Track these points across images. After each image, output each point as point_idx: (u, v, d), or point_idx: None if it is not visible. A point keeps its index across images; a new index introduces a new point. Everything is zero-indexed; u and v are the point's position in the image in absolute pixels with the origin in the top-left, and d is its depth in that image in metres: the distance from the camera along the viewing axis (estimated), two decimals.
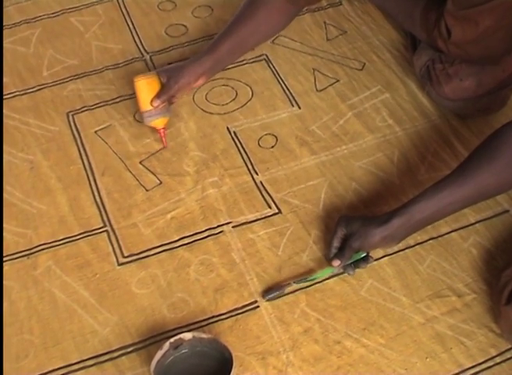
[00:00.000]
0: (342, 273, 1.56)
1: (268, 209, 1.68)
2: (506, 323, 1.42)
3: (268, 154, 1.79)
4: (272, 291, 1.54)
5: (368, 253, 1.53)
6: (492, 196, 1.57)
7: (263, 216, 1.67)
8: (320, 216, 1.67)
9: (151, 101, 1.74)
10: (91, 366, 1.45)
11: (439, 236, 1.63)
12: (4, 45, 2.06)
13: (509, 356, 1.45)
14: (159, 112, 1.76)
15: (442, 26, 1.67)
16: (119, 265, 1.60)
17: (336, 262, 1.51)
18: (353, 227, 1.51)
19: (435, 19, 1.70)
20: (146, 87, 1.75)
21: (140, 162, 1.77)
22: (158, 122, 1.77)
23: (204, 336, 1.40)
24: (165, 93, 1.75)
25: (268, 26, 1.84)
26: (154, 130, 1.80)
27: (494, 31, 1.63)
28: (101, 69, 1.99)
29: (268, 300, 1.53)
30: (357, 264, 1.54)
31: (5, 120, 1.87)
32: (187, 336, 1.39)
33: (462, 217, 1.65)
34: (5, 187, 1.73)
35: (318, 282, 1.55)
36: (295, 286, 1.54)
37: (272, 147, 1.81)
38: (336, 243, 1.54)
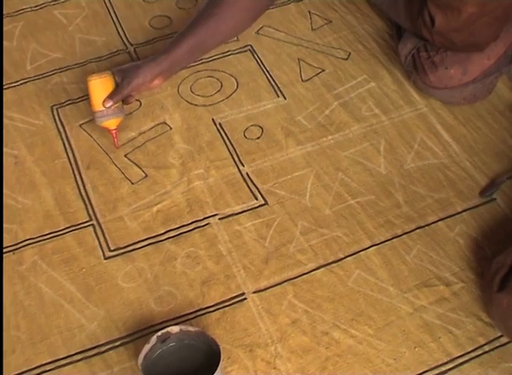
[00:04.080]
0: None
1: (255, 201, 1.68)
2: (498, 310, 1.42)
3: (254, 145, 1.78)
4: (489, 189, 1.67)
5: None
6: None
7: (249, 208, 1.67)
8: (306, 206, 1.66)
9: (103, 101, 1.70)
10: (79, 360, 1.45)
11: (426, 225, 1.62)
12: None
13: (497, 345, 1.45)
14: (111, 113, 1.71)
15: (426, 14, 1.67)
16: (106, 259, 1.59)
17: None
18: None
19: (419, 7, 1.70)
20: (99, 87, 1.71)
21: (125, 156, 1.76)
22: (110, 123, 1.73)
23: (191, 329, 1.39)
24: (118, 94, 1.71)
25: (230, 25, 1.77)
26: (107, 130, 1.76)
27: (477, 18, 1.63)
28: (85, 62, 1.98)
29: (487, 196, 1.67)
30: None
31: None
32: (174, 329, 1.39)
33: (449, 206, 1.66)
34: None
35: (306, 273, 1.55)
36: (508, 182, 1.69)
37: (258, 138, 1.80)
38: None
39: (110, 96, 1.70)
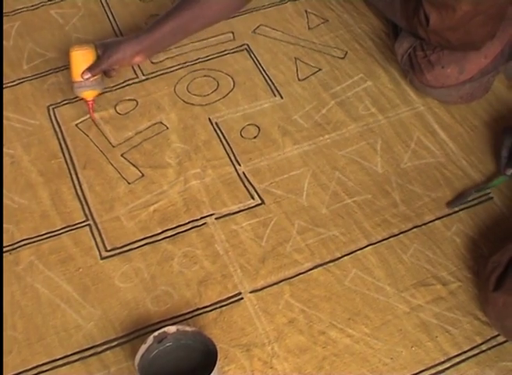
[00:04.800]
0: None
1: (251, 200, 1.68)
2: (494, 310, 1.42)
3: (251, 144, 1.78)
4: (456, 200, 1.65)
5: None
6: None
7: (246, 207, 1.66)
8: (303, 206, 1.66)
9: (82, 73, 1.75)
10: (76, 361, 1.45)
11: (423, 224, 1.63)
12: None
13: (494, 344, 1.46)
14: (89, 85, 1.77)
15: (421, 13, 1.67)
16: (102, 259, 1.59)
17: (509, 171, 1.64)
18: None
19: (415, 6, 1.69)
20: (80, 58, 1.76)
21: (122, 155, 1.76)
22: (87, 94, 1.78)
23: (188, 329, 1.39)
24: (97, 67, 1.75)
25: (214, 10, 1.79)
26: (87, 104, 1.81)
27: (472, 17, 1.63)
28: None
29: (453, 207, 1.65)
30: None
31: None
32: (171, 329, 1.39)
33: (446, 205, 1.65)
34: None
35: (303, 272, 1.56)
36: (475, 194, 1.66)
37: (255, 137, 1.80)
38: (505, 153, 1.66)
39: (89, 68, 1.75)
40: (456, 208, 1.64)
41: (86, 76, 1.75)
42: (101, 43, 1.79)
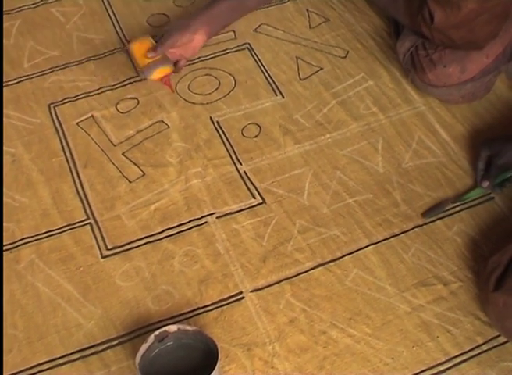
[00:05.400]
0: (489, 193, 1.68)
1: (253, 199, 1.68)
2: (494, 310, 1.42)
3: (252, 143, 1.78)
4: (432, 210, 1.63)
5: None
6: None
7: (247, 207, 1.66)
8: (304, 205, 1.66)
9: (146, 52, 1.78)
10: (76, 359, 1.44)
11: (424, 224, 1.62)
12: None
13: (495, 344, 1.46)
14: (157, 64, 1.79)
15: (425, 11, 1.66)
16: (103, 257, 1.59)
17: (485, 183, 1.64)
18: (495, 147, 1.64)
19: (419, 4, 1.69)
20: (139, 46, 1.82)
21: (123, 154, 1.76)
22: (158, 72, 1.80)
23: (189, 328, 1.39)
24: (160, 45, 1.79)
25: None
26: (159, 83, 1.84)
27: (477, 15, 1.62)
28: (83, 60, 1.97)
29: (428, 217, 1.63)
30: (503, 184, 1.64)
31: None
32: (172, 328, 1.38)
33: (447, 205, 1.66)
34: None
35: (304, 272, 1.55)
36: (451, 205, 1.65)
37: (256, 136, 1.80)
38: (481, 165, 1.66)
39: (152, 48, 1.79)
40: (432, 218, 1.64)
41: (151, 55, 1.78)
42: (160, 35, 1.84)
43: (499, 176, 1.63)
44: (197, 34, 1.78)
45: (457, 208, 1.65)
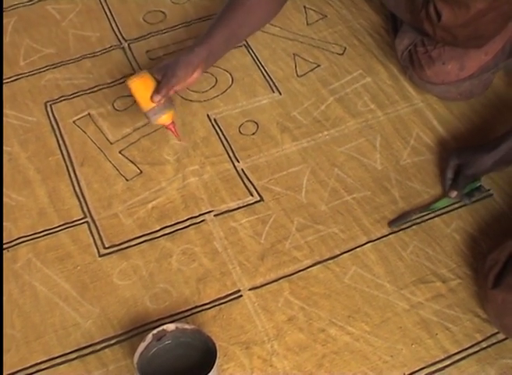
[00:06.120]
0: (458, 202, 1.65)
1: (250, 197, 1.67)
2: (493, 307, 1.42)
3: (249, 141, 1.78)
4: (398, 220, 1.62)
5: (480, 184, 1.65)
6: None
7: (245, 204, 1.66)
8: (302, 202, 1.66)
9: (151, 97, 1.64)
10: (74, 359, 1.44)
11: (422, 221, 1.62)
12: None
13: (494, 341, 1.45)
14: (163, 107, 1.67)
15: (431, 9, 1.65)
16: (100, 256, 1.58)
17: (453, 193, 1.63)
18: (464, 157, 1.63)
19: (423, 0, 1.68)
20: (141, 86, 1.66)
21: (120, 152, 1.75)
22: (165, 118, 1.68)
23: (187, 327, 1.39)
24: (165, 86, 1.65)
25: (257, 16, 1.82)
26: (163, 127, 1.74)
27: (485, 14, 1.62)
28: (79, 57, 1.97)
29: (394, 227, 1.61)
30: (471, 194, 1.64)
31: None
32: (170, 327, 1.38)
33: None
34: None
35: (302, 270, 1.55)
36: (418, 215, 1.63)
37: (253, 134, 1.79)
38: (449, 174, 1.65)
39: (157, 91, 1.65)
40: (396, 229, 1.62)
41: (157, 99, 1.64)
42: (157, 68, 1.70)
43: (467, 185, 1.63)
44: (195, 72, 1.72)
45: (455, 205, 1.65)
